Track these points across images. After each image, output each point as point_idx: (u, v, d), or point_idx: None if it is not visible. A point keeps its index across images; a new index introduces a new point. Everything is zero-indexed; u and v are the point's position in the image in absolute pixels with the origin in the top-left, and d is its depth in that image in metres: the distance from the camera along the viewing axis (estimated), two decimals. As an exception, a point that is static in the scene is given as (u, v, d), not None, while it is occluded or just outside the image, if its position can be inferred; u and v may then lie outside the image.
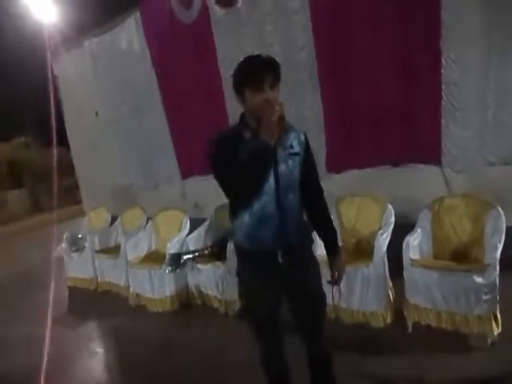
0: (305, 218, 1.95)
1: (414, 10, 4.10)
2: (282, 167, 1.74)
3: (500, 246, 2.59)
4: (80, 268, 5.05)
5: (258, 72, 1.64)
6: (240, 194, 1.74)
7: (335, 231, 2.04)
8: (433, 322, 2.79)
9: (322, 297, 1.98)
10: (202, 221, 4.20)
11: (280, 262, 1.78)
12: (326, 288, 2.01)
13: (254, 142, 1.60)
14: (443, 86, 4.11)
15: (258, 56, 1.70)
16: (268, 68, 1.66)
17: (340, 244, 2.05)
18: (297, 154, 1.79)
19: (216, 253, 3.82)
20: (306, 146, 1.85)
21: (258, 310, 1.90)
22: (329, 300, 2.06)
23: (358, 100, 4.49)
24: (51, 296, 4.30)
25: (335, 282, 1.96)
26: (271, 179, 1.71)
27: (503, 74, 3.93)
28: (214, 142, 1.75)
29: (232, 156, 1.61)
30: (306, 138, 1.86)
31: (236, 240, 1.87)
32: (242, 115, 1.78)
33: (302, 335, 2.03)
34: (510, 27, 3.80)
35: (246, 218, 1.77)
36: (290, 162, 1.76)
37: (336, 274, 1.95)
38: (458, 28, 3.97)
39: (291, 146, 1.77)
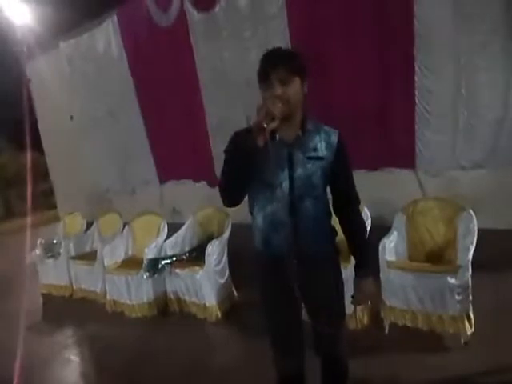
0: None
1: (388, 18, 4.21)
2: (299, 171, 1.56)
3: (472, 248, 2.66)
4: (54, 274, 4.93)
5: (265, 67, 1.52)
6: (251, 195, 1.64)
7: (365, 248, 1.79)
8: (409, 322, 2.84)
9: (339, 316, 1.80)
10: (180, 226, 4.17)
11: (295, 270, 1.60)
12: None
13: (266, 143, 1.42)
14: (416, 92, 4.23)
15: (272, 50, 1.57)
16: (277, 61, 1.50)
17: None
18: (319, 158, 1.58)
19: (194, 258, 3.80)
20: (338, 149, 1.62)
21: (273, 320, 1.77)
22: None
23: (333, 106, 4.56)
24: (24, 303, 4.17)
25: (357, 303, 1.81)
26: (285, 184, 1.56)
27: (473, 81, 4.07)
28: (232, 136, 1.62)
29: (244, 154, 1.46)
30: (339, 140, 1.63)
31: (254, 242, 1.74)
32: None
33: (317, 343, 1.83)
34: (478, 37, 3.94)
35: (259, 220, 1.66)
36: (309, 165, 1.57)
37: (359, 297, 1.78)
38: (431, 37, 4.10)
39: (314, 149, 1.58)
